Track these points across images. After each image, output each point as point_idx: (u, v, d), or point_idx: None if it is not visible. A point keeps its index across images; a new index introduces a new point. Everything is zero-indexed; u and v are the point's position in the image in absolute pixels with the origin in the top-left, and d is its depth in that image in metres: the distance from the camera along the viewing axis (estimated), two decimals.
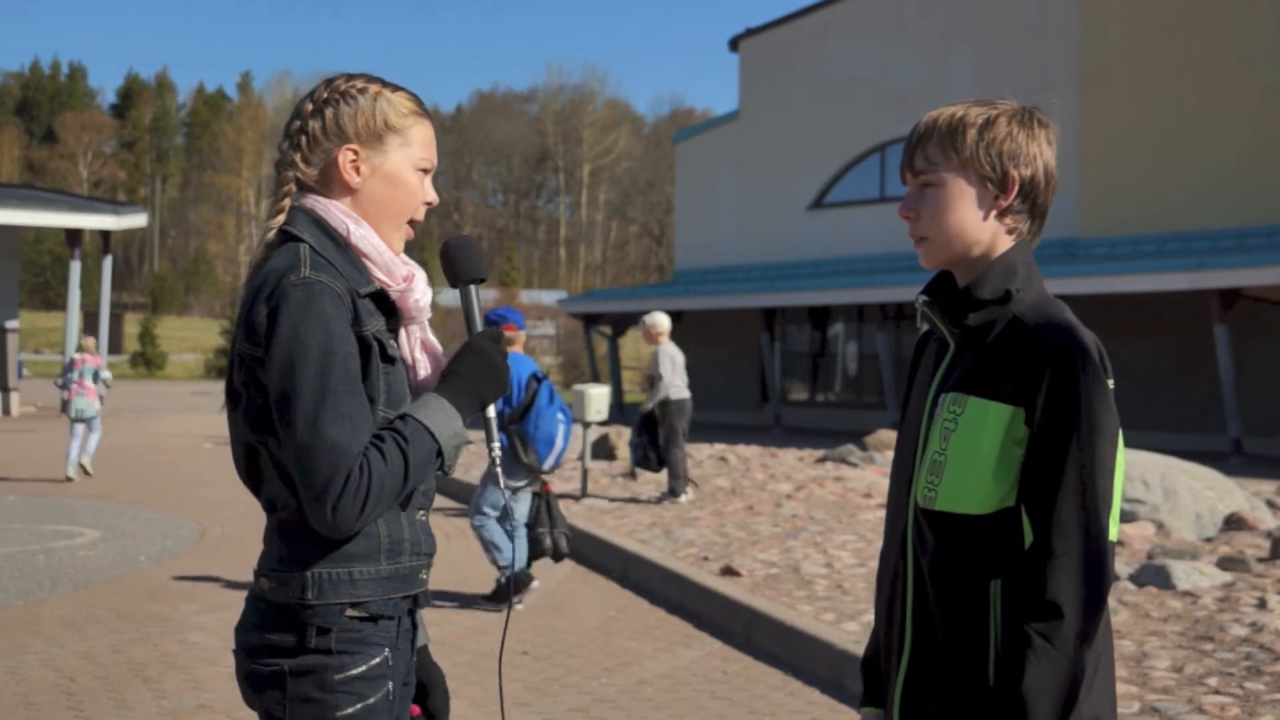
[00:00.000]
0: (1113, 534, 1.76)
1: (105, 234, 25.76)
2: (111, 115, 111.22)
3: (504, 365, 2.02)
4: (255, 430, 1.95)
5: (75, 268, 25.14)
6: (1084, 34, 21.40)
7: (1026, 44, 22.24)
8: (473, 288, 2.10)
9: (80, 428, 13.88)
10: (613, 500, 11.02)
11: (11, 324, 25.47)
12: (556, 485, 11.81)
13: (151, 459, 16.52)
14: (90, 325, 26.65)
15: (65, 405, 14.10)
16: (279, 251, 1.96)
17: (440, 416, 1.93)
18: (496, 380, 2.01)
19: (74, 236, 25.27)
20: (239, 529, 10.19)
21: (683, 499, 10.77)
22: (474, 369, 2.00)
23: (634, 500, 10.97)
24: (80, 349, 14.44)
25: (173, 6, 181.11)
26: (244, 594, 7.58)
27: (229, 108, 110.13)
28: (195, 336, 72.81)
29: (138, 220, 26.83)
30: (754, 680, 5.64)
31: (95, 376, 14.10)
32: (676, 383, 11.00)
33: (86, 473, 13.99)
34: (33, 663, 5.82)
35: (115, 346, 57.55)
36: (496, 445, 2.03)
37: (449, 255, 2.10)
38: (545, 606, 7.28)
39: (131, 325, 67.41)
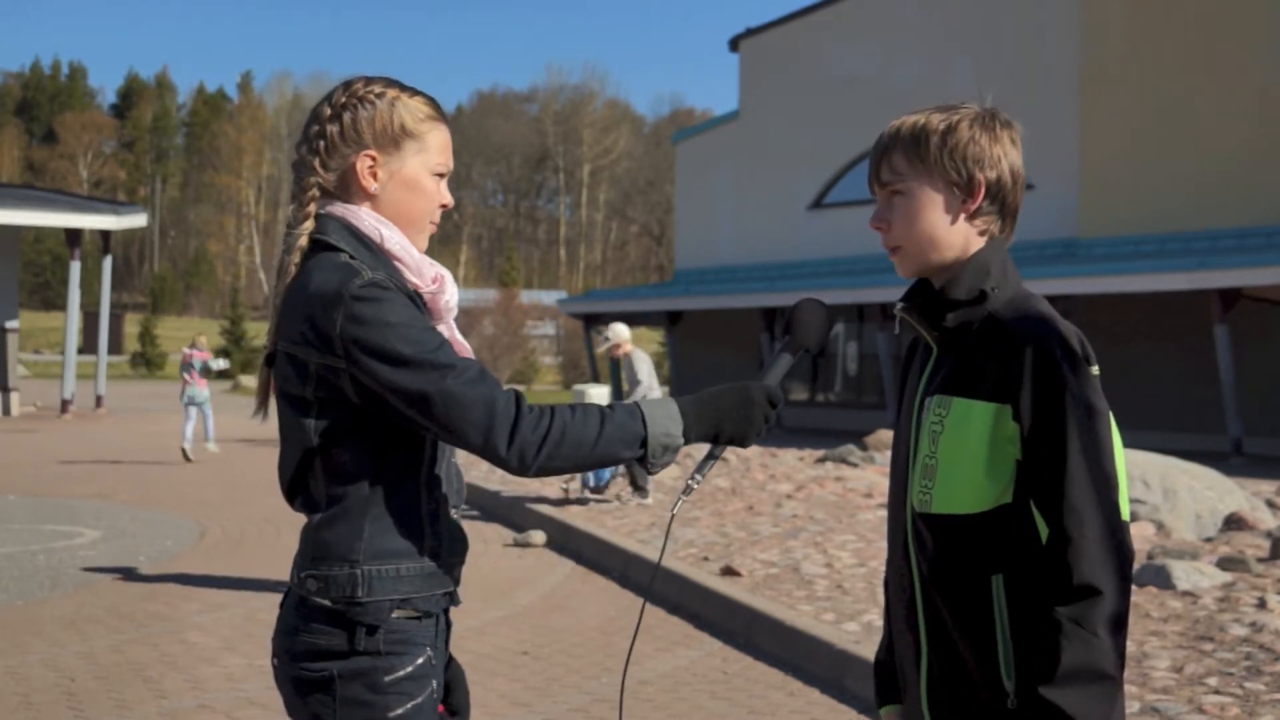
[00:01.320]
0: (1124, 513, 1.77)
1: (105, 234, 25.77)
2: (111, 115, 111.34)
3: (759, 419, 1.99)
4: (326, 436, 1.95)
5: (75, 268, 25.14)
6: (1084, 34, 21.40)
7: (1026, 44, 22.25)
8: (787, 356, 2.08)
9: (194, 411, 16.11)
10: (612, 500, 11.02)
11: (11, 324, 25.47)
12: (556, 485, 11.82)
13: (151, 459, 16.52)
14: (90, 325, 26.76)
15: (182, 393, 16.31)
16: (319, 262, 1.96)
17: (661, 413, 1.94)
18: (743, 424, 1.98)
19: (74, 236, 25.27)
20: (239, 529, 10.19)
21: (649, 500, 10.78)
22: (729, 402, 1.98)
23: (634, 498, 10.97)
24: (192, 344, 16.55)
25: (173, 6, 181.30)
26: (244, 593, 7.60)
27: (229, 108, 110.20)
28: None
29: (138, 220, 26.84)
30: (754, 680, 5.64)
31: (205, 369, 16.21)
32: (654, 385, 11.02)
33: (188, 457, 15.98)
34: (33, 663, 5.82)
35: (115, 347, 57.52)
36: (697, 477, 1.99)
37: (795, 316, 2.08)
38: (545, 606, 7.28)
39: (131, 325, 67.37)
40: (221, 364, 16.63)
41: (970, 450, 1.81)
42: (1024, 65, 21.99)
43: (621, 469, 10.97)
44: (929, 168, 1.89)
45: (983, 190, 1.89)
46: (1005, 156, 1.90)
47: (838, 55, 25.60)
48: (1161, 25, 20.35)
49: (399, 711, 1.92)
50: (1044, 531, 1.77)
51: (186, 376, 16.19)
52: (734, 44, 28.57)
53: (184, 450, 16.01)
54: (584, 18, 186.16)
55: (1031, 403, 1.77)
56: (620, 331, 11.01)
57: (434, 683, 1.98)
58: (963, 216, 1.90)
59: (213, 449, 16.61)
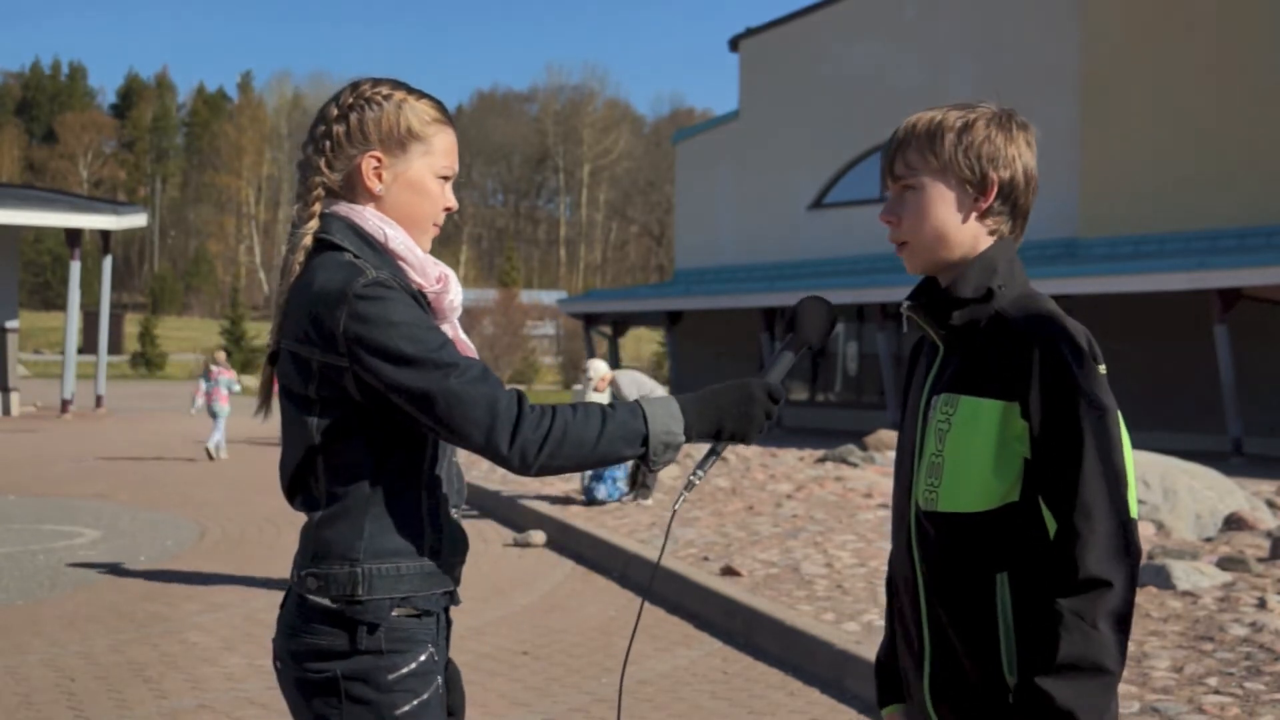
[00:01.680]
0: (1133, 510, 1.76)
1: (105, 234, 25.77)
2: (111, 115, 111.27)
3: (760, 416, 1.99)
4: (328, 435, 1.95)
5: (75, 268, 25.14)
6: (1084, 34, 21.40)
7: (1027, 44, 22.24)
8: (789, 353, 2.08)
9: (220, 422, 16.75)
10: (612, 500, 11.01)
11: (11, 324, 25.47)
12: (559, 486, 11.82)
13: (151, 459, 16.52)
14: (90, 325, 26.80)
15: (204, 405, 16.89)
16: (323, 261, 1.97)
17: (662, 411, 1.95)
18: (744, 422, 1.98)
19: (74, 236, 25.27)
20: (239, 529, 10.20)
21: (649, 501, 10.77)
22: (730, 400, 1.99)
23: (634, 500, 10.97)
24: (215, 362, 17.42)
25: (173, 6, 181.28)
26: (244, 592, 7.60)
27: (229, 108, 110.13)
28: (195, 336, 72.80)
29: (138, 220, 26.83)
30: (754, 680, 5.64)
31: (228, 387, 16.99)
32: (655, 389, 11.01)
33: (211, 458, 16.58)
34: (33, 663, 5.82)
35: (115, 347, 57.48)
36: (698, 474, 1.99)
37: (798, 313, 2.08)
38: (545, 606, 7.28)
39: (131, 325, 67.36)
40: (237, 388, 17.49)
41: (978, 448, 1.81)
42: (1024, 65, 21.99)
43: (624, 486, 10.94)
44: (943, 164, 1.89)
45: (995, 189, 1.89)
46: (1020, 157, 1.90)
47: (838, 55, 25.60)
48: (1161, 25, 20.35)
49: (405, 709, 1.93)
50: (1052, 529, 1.76)
51: (210, 392, 16.64)
52: (734, 44, 28.56)
53: (211, 453, 16.61)
54: (584, 18, 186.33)
55: (1041, 401, 1.77)
56: (598, 368, 11.16)
57: (439, 679, 1.99)
58: (974, 215, 1.90)
59: (212, 454, 16.74)
